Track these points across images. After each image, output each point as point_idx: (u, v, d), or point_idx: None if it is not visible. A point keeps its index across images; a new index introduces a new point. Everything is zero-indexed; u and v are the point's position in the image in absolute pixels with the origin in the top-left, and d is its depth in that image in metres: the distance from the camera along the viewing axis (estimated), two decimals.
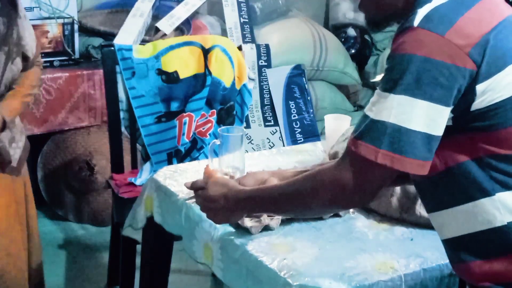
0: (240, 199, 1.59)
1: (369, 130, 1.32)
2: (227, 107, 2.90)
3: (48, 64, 3.39)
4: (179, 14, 3.58)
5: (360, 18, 4.52)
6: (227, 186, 1.64)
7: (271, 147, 3.66)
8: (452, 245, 1.42)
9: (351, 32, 4.46)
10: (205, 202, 1.67)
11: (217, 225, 1.82)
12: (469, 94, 1.30)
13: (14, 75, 2.27)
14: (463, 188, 1.36)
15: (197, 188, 1.72)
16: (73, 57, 3.44)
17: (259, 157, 2.33)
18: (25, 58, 2.29)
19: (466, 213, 1.36)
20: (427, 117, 1.29)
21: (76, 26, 3.43)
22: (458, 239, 1.39)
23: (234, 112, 2.93)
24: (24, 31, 2.27)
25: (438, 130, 1.31)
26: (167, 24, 3.53)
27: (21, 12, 2.26)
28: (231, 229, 1.80)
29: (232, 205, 1.61)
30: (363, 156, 1.32)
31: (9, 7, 2.21)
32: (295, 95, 3.77)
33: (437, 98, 1.28)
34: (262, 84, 3.72)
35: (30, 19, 2.20)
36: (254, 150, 3.58)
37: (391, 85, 1.31)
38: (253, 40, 3.76)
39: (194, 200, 1.96)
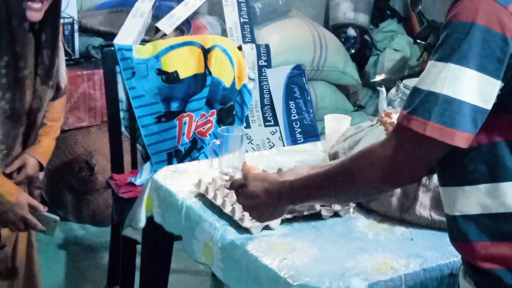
0: (282, 190, 1.53)
1: (422, 103, 1.28)
2: (227, 107, 2.90)
3: None
4: (179, 14, 3.59)
5: (360, 18, 4.53)
6: (267, 180, 1.58)
7: (271, 147, 3.66)
8: (460, 223, 1.36)
9: (351, 32, 4.46)
10: (247, 200, 1.61)
11: (217, 225, 1.82)
12: None
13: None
14: (490, 168, 1.32)
15: (236, 186, 1.65)
16: (73, 57, 3.44)
17: (259, 157, 2.33)
18: (57, 88, 2.20)
19: (486, 194, 1.32)
20: (479, 89, 1.25)
21: (76, 26, 3.43)
22: (469, 217, 1.34)
23: (234, 112, 2.93)
24: (61, 63, 2.19)
25: (488, 103, 1.27)
26: (167, 24, 3.53)
27: (60, 43, 2.17)
28: (231, 229, 1.80)
29: (275, 199, 1.55)
30: (412, 130, 1.27)
31: (52, 39, 2.10)
32: (295, 95, 3.77)
33: (492, 70, 1.25)
34: (262, 84, 3.72)
35: None
36: (254, 150, 3.57)
37: (447, 54, 1.27)
38: (253, 40, 3.76)
39: (194, 200, 1.97)
